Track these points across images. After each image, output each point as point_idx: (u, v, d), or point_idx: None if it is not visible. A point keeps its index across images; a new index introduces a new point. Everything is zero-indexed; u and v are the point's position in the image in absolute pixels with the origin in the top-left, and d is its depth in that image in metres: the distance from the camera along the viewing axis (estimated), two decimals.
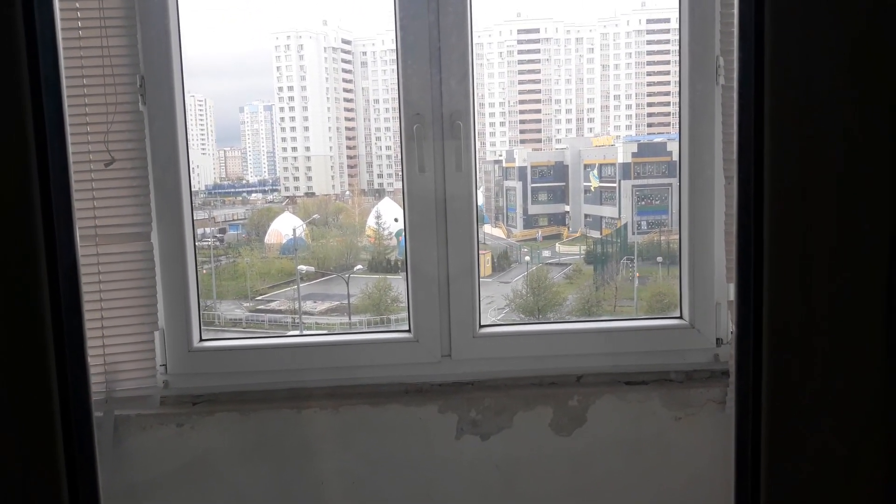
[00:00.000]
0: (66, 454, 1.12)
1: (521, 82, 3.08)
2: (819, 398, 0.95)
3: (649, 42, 2.98)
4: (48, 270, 0.92)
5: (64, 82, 0.94)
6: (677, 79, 2.18)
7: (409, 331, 2.19)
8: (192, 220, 2.15)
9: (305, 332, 3.05)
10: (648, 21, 2.99)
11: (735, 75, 0.88)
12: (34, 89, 0.89)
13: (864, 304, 0.92)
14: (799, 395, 0.93)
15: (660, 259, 3.09)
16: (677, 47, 2.18)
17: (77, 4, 1.95)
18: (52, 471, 1.09)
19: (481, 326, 2.19)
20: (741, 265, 0.90)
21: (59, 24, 0.90)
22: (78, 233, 1.09)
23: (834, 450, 0.96)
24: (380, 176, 3.13)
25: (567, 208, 3.23)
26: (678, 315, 2.24)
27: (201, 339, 2.18)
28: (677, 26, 2.17)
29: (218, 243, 3.20)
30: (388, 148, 3.08)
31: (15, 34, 0.88)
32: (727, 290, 2.13)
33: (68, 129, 0.94)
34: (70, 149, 0.93)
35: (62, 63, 0.93)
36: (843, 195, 0.89)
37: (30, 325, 0.95)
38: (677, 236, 2.23)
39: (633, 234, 3.15)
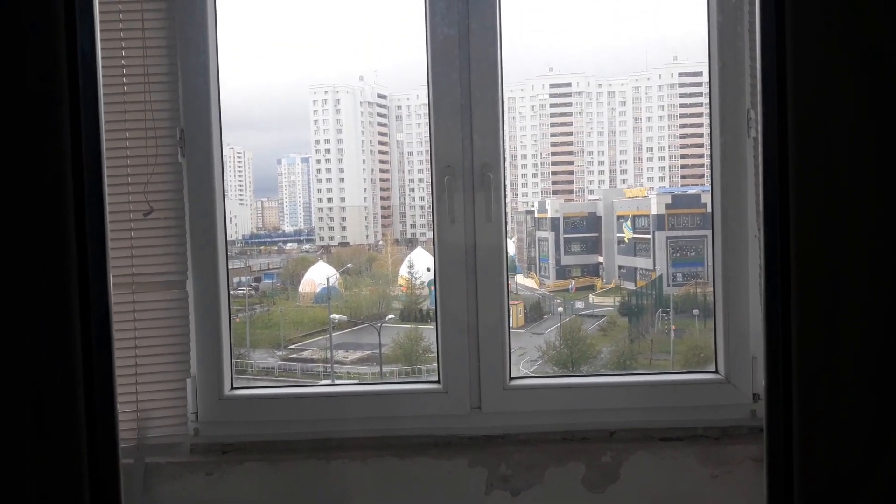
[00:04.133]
0: (93, 502, 1.13)
1: (553, 134, 3.10)
2: (853, 458, 0.91)
3: (682, 95, 2.99)
4: (81, 319, 0.94)
5: (104, 141, 0.98)
6: (710, 131, 2.17)
7: (438, 382, 2.17)
8: (227, 269, 2.19)
9: (336, 382, 3.04)
10: (680, 75, 3.01)
11: (759, 129, 0.87)
12: (75, 148, 0.92)
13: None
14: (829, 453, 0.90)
15: (696, 312, 3.03)
16: (709, 100, 2.18)
17: (123, 62, 2.03)
18: None
19: (511, 378, 2.17)
20: (770, 324, 0.88)
21: (101, 85, 0.94)
22: (113, 281, 1.12)
23: None
24: (413, 226, 3.16)
25: (600, 259, 3.21)
26: (714, 370, 2.18)
27: (232, 388, 2.19)
28: (709, 79, 2.18)
29: (253, 292, 3.24)
30: (421, 199, 3.11)
31: (60, 100, 0.92)
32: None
33: (106, 185, 0.98)
34: (107, 204, 0.96)
35: (102, 123, 0.97)
36: (869, 251, 0.87)
37: (61, 372, 0.97)
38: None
39: (669, 285, 3.10)
